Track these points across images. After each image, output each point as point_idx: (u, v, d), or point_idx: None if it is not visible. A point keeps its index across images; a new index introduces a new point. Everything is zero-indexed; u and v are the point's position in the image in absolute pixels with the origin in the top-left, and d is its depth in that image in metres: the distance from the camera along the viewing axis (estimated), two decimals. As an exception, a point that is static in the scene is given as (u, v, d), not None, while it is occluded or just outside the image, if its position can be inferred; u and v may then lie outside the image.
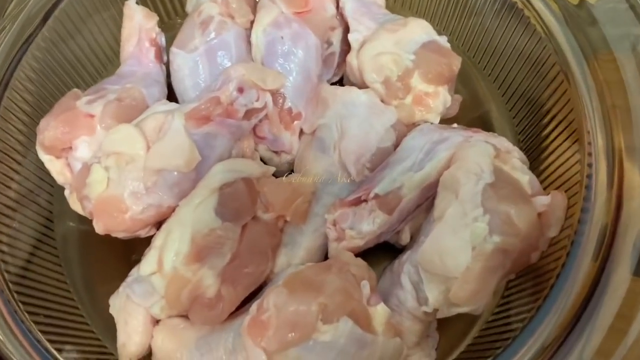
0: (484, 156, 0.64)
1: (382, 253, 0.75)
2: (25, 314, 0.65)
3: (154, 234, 0.72)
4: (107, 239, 0.71)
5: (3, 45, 0.73)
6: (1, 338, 0.62)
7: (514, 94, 0.84)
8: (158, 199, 0.68)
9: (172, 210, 0.70)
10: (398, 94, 0.76)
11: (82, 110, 0.73)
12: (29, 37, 0.76)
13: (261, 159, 0.81)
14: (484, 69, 0.90)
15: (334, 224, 0.71)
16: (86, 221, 0.74)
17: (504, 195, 0.62)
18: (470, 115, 0.86)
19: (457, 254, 0.61)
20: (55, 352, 0.65)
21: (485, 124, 0.85)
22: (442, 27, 0.92)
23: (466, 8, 0.88)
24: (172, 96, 0.84)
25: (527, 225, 0.62)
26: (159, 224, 0.72)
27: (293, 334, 0.59)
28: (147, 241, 0.72)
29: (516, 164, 0.67)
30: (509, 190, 0.63)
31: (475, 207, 0.61)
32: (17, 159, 0.75)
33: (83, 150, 0.72)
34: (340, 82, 0.89)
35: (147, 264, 0.66)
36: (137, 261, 0.71)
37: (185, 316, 0.68)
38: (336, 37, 0.85)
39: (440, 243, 0.62)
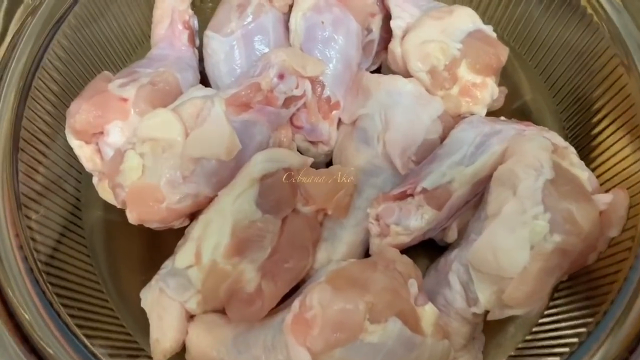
0: (543, 151, 0.61)
1: (421, 250, 0.72)
2: (55, 296, 0.62)
3: (187, 224, 0.70)
4: (135, 229, 0.68)
5: (34, 22, 0.70)
6: (31, 321, 0.59)
7: (563, 88, 0.81)
8: (195, 188, 0.65)
9: (209, 200, 0.67)
10: (444, 84, 0.73)
11: (115, 93, 0.70)
12: (62, 15, 0.72)
13: (298, 150, 0.78)
14: (530, 60, 0.86)
15: (377, 219, 0.68)
16: (114, 210, 0.72)
17: (565, 193, 0.59)
18: (514, 108, 0.83)
19: (514, 253, 0.58)
20: (85, 340, 0.62)
21: (530, 119, 0.81)
22: (484, 15, 0.89)
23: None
24: (204, 82, 0.81)
25: (590, 224, 0.59)
26: (192, 215, 0.69)
27: (339, 333, 0.57)
28: (177, 232, 0.70)
29: (574, 160, 0.64)
30: (570, 187, 0.60)
31: (536, 204, 0.58)
32: (46, 141, 0.72)
33: (115, 135, 0.69)
34: (378, 71, 0.86)
35: (184, 256, 0.63)
36: (165, 253, 0.69)
37: (221, 311, 0.65)
38: (376, 24, 0.82)
39: (496, 241, 0.59)
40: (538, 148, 0.62)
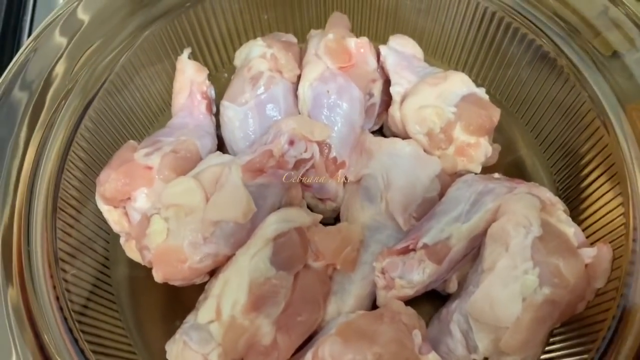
0: (531, 209, 0.67)
1: (425, 299, 0.77)
2: (86, 343, 0.67)
3: (207, 280, 0.76)
4: (159, 284, 0.72)
5: (68, 102, 0.77)
6: None
7: (552, 143, 0.87)
8: (215, 248, 0.70)
9: (228, 258, 0.72)
10: (441, 144, 0.79)
11: (141, 162, 0.76)
12: (94, 94, 0.79)
13: (307, 206, 0.84)
14: (521, 118, 0.92)
15: (383, 272, 0.73)
16: (139, 268, 0.77)
17: (552, 248, 0.65)
18: (509, 162, 0.88)
19: (508, 305, 0.63)
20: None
21: (523, 173, 0.88)
22: (477, 77, 0.95)
23: (500, 58, 0.92)
24: (221, 144, 0.87)
25: (576, 277, 0.64)
26: (212, 271, 0.75)
27: (349, 383, 0.62)
28: (197, 285, 0.75)
29: (561, 217, 0.69)
30: (556, 243, 0.65)
31: (525, 260, 0.64)
32: (77, 206, 0.78)
33: (142, 201, 0.75)
34: (380, 131, 0.93)
35: (205, 312, 0.68)
36: (186, 305, 0.74)
37: (240, 362, 0.70)
38: (377, 89, 0.89)
39: (491, 294, 0.64)
40: (527, 207, 0.67)
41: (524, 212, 0.67)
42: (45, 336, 0.64)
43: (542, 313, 0.63)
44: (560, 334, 0.72)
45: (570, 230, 0.68)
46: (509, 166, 0.87)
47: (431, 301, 0.78)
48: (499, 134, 0.87)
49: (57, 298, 0.66)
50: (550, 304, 0.63)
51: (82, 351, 0.64)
